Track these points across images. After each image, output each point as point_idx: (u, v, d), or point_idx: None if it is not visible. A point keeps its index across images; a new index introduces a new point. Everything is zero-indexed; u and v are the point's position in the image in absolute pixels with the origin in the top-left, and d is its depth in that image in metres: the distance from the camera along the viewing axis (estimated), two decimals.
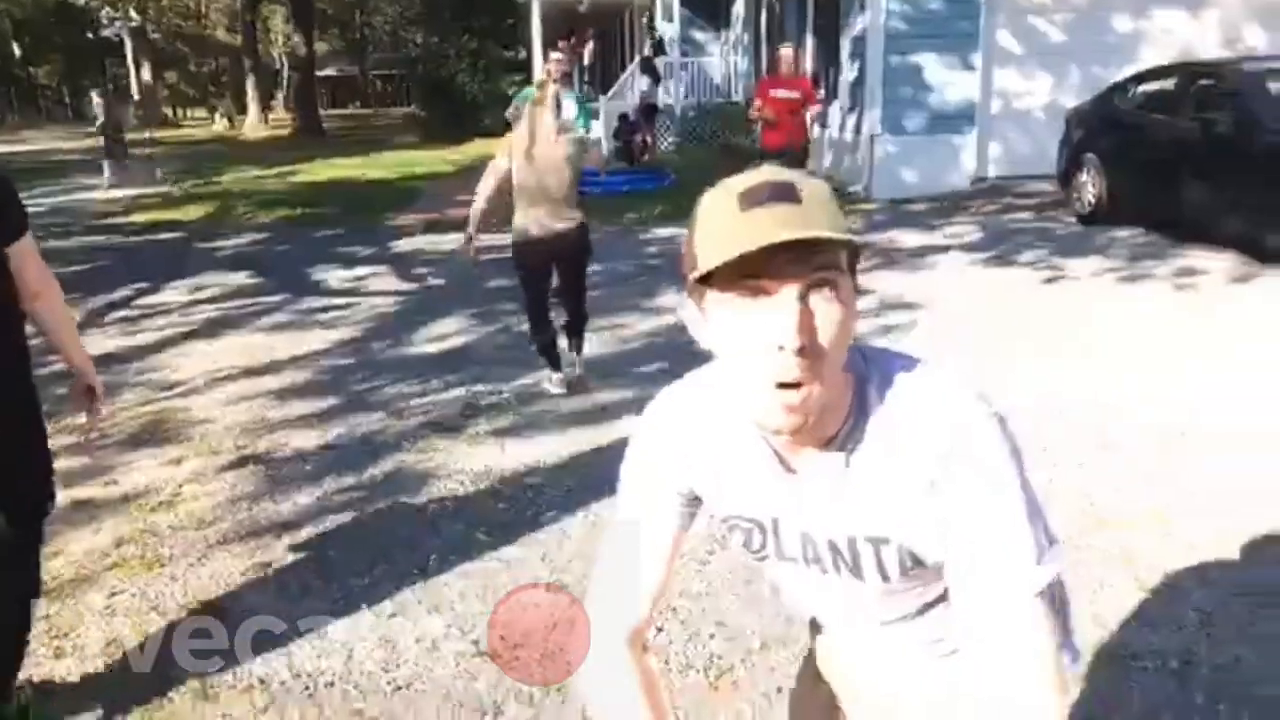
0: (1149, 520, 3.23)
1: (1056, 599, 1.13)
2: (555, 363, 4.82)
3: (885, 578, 1.10)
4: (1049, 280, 6.89)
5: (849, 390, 1.03)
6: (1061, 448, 3.78)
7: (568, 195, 4.52)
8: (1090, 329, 5.56)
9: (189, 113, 43.56)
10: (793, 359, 0.93)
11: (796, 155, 8.35)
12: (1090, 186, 8.52)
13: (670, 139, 16.73)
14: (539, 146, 4.44)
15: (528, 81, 20.28)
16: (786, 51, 8.67)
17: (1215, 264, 6.84)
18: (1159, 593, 2.82)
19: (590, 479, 3.65)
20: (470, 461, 3.97)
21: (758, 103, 8.52)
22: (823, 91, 11.47)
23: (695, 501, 1.19)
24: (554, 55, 7.49)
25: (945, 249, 8.03)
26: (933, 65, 10.74)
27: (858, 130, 11.40)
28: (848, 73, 11.71)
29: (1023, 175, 10.80)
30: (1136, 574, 2.90)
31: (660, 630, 2.71)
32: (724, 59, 18.51)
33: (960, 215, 9.58)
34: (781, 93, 8.33)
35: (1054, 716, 0.97)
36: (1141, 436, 3.92)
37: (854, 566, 1.11)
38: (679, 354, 5.40)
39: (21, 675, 2.30)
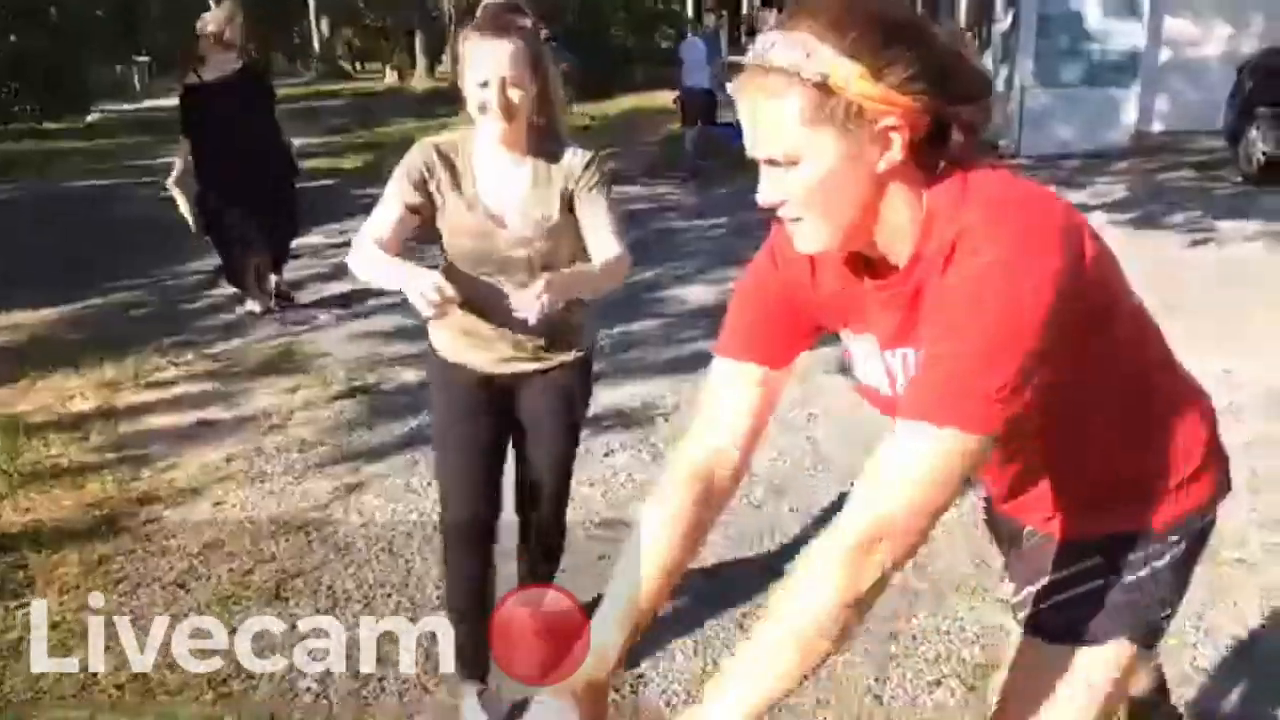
0: None
1: None
2: None
3: None
4: (1197, 243, 6.46)
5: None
6: None
7: None
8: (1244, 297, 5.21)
9: (365, 66, 45.56)
10: None
11: None
12: (1260, 144, 7.86)
13: None
14: None
15: (680, 36, 20.02)
16: None
17: None
18: None
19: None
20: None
21: None
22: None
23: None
24: None
25: (1088, 209, 7.59)
26: (1093, 11, 10.09)
27: (1009, 83, 10.84)
28: (1000, 20, 11.13)
29: (1192, 130, 10.04)
30: None
31: None
32: None
33: (1114, 174, 9.02)
34: None
35: None
36: None
37: None
38: None
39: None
